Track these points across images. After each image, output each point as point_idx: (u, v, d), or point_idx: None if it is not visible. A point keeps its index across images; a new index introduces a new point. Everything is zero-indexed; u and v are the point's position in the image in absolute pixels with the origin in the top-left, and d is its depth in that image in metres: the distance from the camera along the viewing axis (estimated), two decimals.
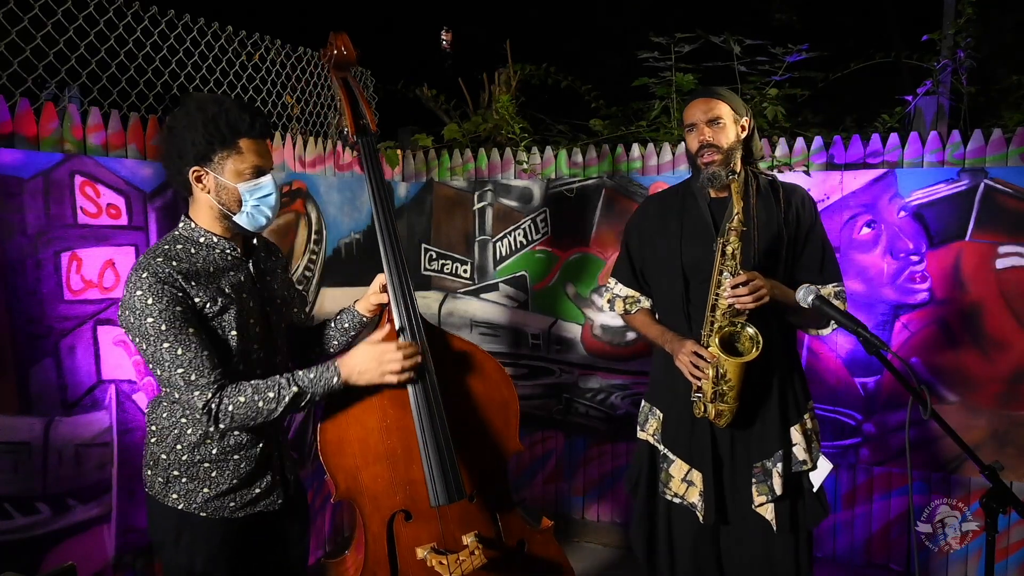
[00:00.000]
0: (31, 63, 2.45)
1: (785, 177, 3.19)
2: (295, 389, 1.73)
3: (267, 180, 1.77)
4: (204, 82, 3.03)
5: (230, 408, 1.69)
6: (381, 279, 2.01)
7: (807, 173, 3.17)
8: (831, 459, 3.18)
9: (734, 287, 2.03)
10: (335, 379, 1.77)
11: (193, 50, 2.97)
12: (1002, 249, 2.91)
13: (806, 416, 2.26)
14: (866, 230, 3.10)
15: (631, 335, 3.52)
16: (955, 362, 3.01)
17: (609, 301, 2.50)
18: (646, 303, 2.42)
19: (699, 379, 2.11)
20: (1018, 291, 2.90)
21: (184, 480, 1.79)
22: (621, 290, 2.46)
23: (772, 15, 7.37)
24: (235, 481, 1.81)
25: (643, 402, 2.44)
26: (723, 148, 2.16)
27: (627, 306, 2.44)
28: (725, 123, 2.18)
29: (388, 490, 1.92)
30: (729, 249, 2.06)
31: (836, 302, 2.16)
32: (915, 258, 3.04)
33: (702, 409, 2.15)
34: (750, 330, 2.05)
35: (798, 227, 2.24)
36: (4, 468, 2.30)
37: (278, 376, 1.75)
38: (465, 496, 1.89)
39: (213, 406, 1.68)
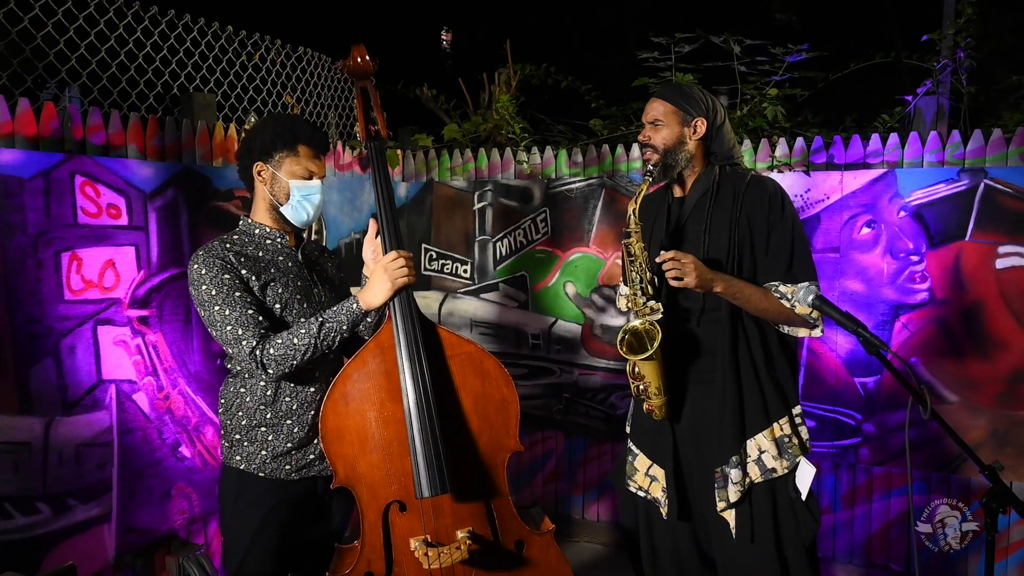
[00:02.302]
0: (31, 63, 2.45)
1: (784, 177, 3.20)
2: (320, 320, 1.93)
3: (315, 184, 2.04)
4: (204, 82, 3.03)
5: (271, 351, 1.90)
6: (373, 223, 2.09)
7: (807, 173, 3.17)
8: (831, 459, 3.20)
9: (662, 260, 2.01)
10: (354, 305, 1.95)
11: (193, 50, 2.97)
12: (1002, 249, 2.91)
13: (781, 422, 2.14)
14: (866, 230, 3.10)
15: None
16: (955, 362, 3.01)
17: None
18: None
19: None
20: (1018, 291, 2.90)
21: (245, 443, 2.02)
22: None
23: (772, 15, 7.38)
24: (289, 444, 2.02)
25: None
26: (659, 148, 2.19)
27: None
28: (664, 124, 2.20)
29: (384, 480, 1.97)
30: (634, 250, 2.07)
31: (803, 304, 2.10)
32: (915, 258, 3.04)
33: (644, 404, 2.17)
34: (638, 324, 2.04)
35: (753, 225, 2.13)
36: (4, 468, 2.30)
37: (306, 321, 1.96)
38: (448, 490, 1.91)
39: (258, 352, 1.90)
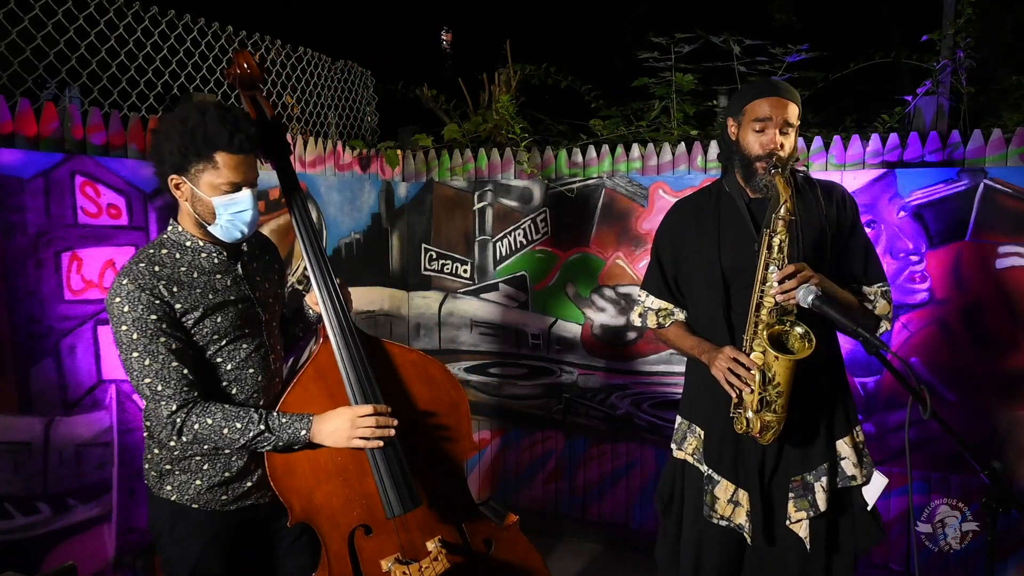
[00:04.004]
0: (31, 63, 2.45)
1: None
2: (262, 427, 1.73)
3: (243, 195, 1.74)
4: (204, 82, 3.03)
5: (196, 426, 1.70)
6: (312, 298, 1.96)
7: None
8: None
9: (781, 281, 1.88)
10: (303, 431, 1.76)
11: (193, 50, 2.97)
12: (1002, 249, 2.91)
13: (857, 428, 2.12)
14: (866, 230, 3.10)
15: (631, 335, 3.52)
16: (955, 362, 3.01)
17: (640, 315, 2.30)
18: (680, 315, 2.24)
19: (737, 388, 1.95)
20: (1018, 291, 2.90)
21: (177, 472, 1.82)
22: (653, 303, 2.26)
23: (772, 15, 7.38)
24: (227, 474, 1.84)
25: (678, 418, 2.26)
26: (784, 158, 1.98)
27: (660, 319, 2.25)
28: (794, 128, 2.01)
29: (344, 507, 1.87)
30: (776, 241, 1.90)
31: (882, 302, 2.10)
32: (915, 258, 3.04)
33: (744, 424, 1.96)
34: (799, 329, 1.90)
35: (839, 225, 2.11)
36: (5, 468, 2.30)
37: (251, 409, 1.76)
38: (420, 504, 1.86)
39: (179, 419, 1.70)
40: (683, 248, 2.20)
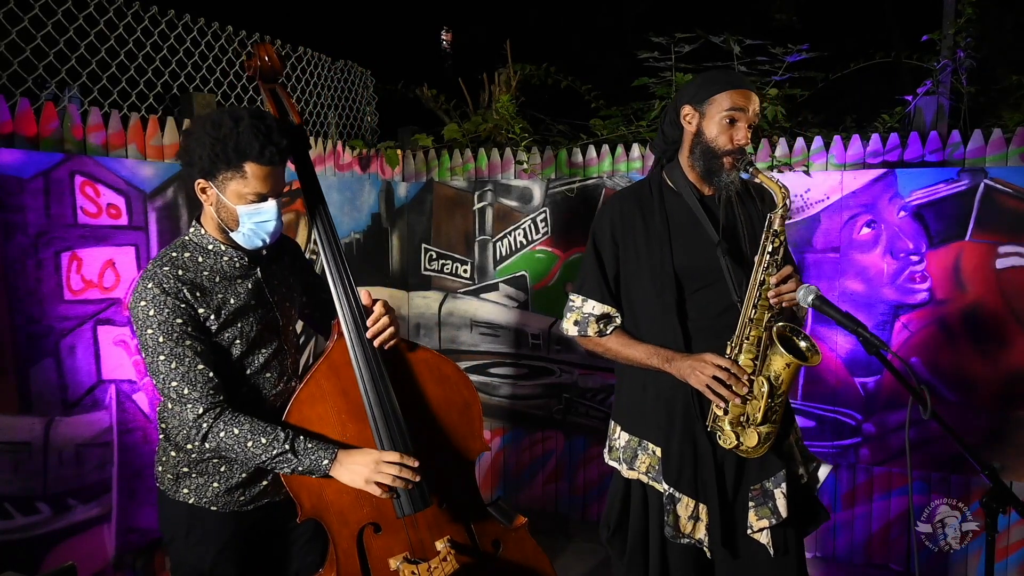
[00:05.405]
0: (31, 63, 2.45)
1: (784, 177, 3.19)
2: (286, 447, 1.71)
3: (269, 206, 1.75)
4: (204, 82, 3.03)
5: (222, 434, 1.70)
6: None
7: (807, 173, 3.17)
8: (830, 459, 3.20)
9: (777, 284, 1.83)
10: (326, 461, 1.74)
11: (193, 50, 2.97)
12: (1002, 249, 2.91)
13: (795, 425, 2.10)
14: (866, 230, 3.10)
15: None
16: (955, 362, 3.01)
17: (577, 323, 2.07)
18: (619, 320, 2.08)
19: (724, 399, 1.85)
20: (1018, 291, 2.90)
21: (194, 475, 1.82)
22: (594, 307, 2.06)
23: (772, 15, 7.38)
24: (244, 475, 1.84)
25: (622, 435, 2.11)
26: (751, 155, 1.93)
27: (601, 326, 2.06)
28: (756, 124, 1.95)
29: (354, 504, 1.86)
30: (771, 246, 1.85)
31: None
32: (915, 258, 3.04)
33: (732, 439, 1.85)
34: (804, 343, 1.84)
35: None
36: (4, 468, 2.30)
37: (279, 428, 1.74)
38: (431, 504, 1.86)
39: (205, 424, 1.69)
40: (627, 246, 2.05)
